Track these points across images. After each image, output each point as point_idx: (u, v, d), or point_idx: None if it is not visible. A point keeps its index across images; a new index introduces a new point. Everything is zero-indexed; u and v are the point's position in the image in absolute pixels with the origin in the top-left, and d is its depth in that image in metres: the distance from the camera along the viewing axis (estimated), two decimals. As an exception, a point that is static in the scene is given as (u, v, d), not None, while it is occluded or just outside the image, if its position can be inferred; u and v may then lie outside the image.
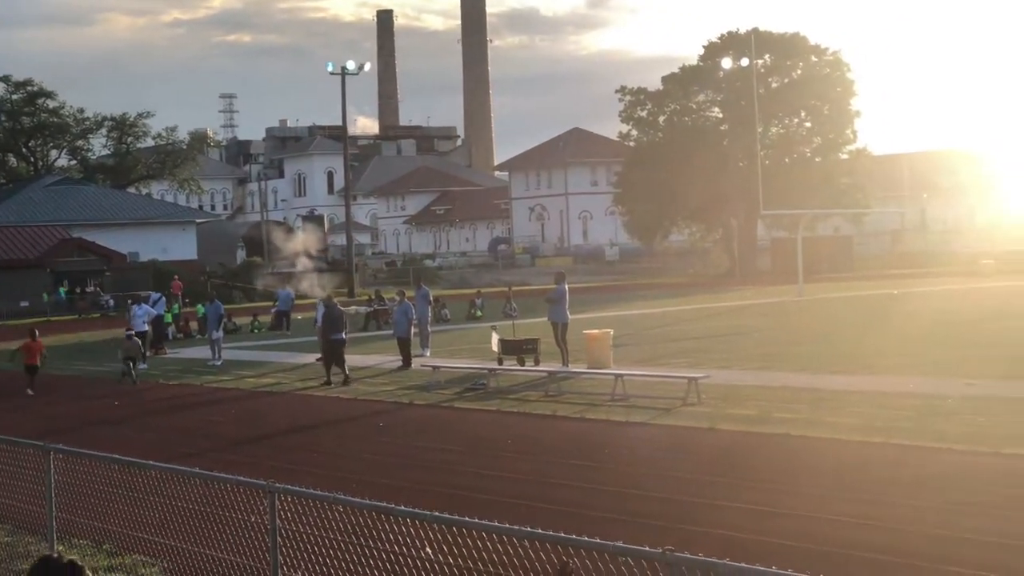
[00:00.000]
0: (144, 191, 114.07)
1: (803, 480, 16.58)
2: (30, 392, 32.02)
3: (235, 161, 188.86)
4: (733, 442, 20.02)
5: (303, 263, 49.49)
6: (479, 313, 54.77)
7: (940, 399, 22.95)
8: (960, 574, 11.72)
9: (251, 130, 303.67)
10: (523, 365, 32.23)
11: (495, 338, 33.81)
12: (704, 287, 76.67)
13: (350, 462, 20.09)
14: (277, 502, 9.62)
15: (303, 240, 61.30)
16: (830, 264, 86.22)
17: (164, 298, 47.35)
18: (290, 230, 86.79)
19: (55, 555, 3.40)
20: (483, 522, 8.28)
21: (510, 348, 33.42)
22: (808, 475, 16.92)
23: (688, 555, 6.88)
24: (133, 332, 36.37)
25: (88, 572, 3.33)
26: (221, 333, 40.68)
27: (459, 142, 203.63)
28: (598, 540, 7.52)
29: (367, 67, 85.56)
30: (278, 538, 9.66)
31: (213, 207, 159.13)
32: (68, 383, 36.07)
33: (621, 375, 26.67)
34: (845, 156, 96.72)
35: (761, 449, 19.26)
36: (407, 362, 34.49)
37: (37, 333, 33.94)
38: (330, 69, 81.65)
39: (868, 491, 15.61)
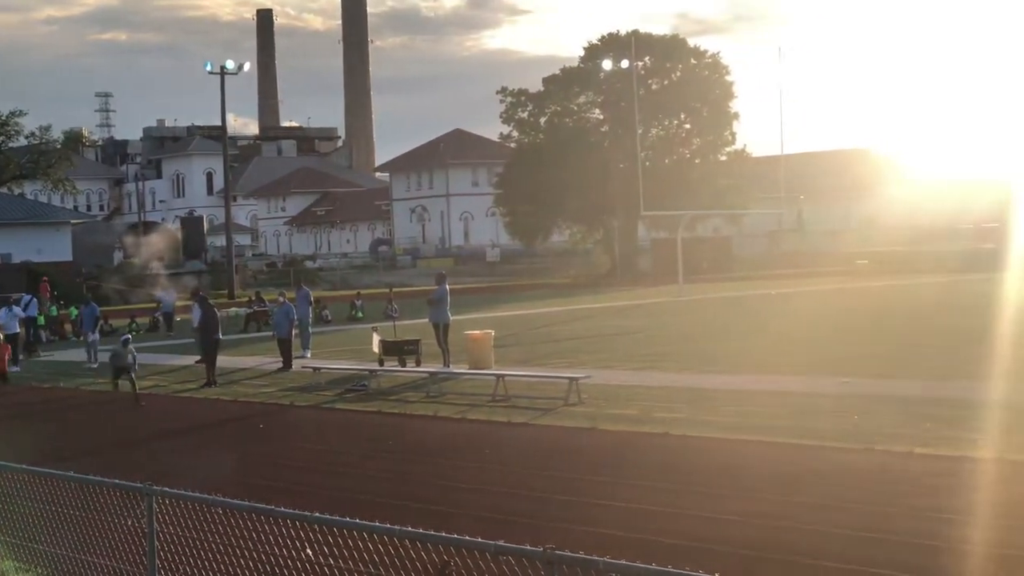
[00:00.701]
0: (17, 191, 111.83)
1: (682, 479, 16.74)
2: None
3: (112, 161, 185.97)
4: (614, 442, 20.16)
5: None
6: (360, 314, 54.55)
7: (816, 397, 23.31)
8: (833, 569, 11.91)
9: (128, 130, 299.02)
10: (404, 366, 32.19)
11: (376, 339, 33.71)
12: (586, 288, 77.12)
13: (230, 464, 19.90)
14: (155, 504, 9.49)
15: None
16: (710, 265, 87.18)
17: (35, 300, 46.47)
18: (149, 232, 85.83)
19: None
20: (364, 522, 8.24)
21: (391, 349, 33.34)
22: (688, 474, 17.10)
23: (568, 553, 6.91)
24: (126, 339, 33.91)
25: None
26: (97, 335, 40.06)
27: (340, 143, 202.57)
28: (479, 539, 7.53)
29: (246, 67, 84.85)
30: (156, 541, 9.53)
31: (89, 208, 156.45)
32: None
33: (502, 375, 26.74)
34: (724, 158, 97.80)
35: (641, 449, 19.42)
36: (288, 363, 34.24)
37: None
38: (208, 68, 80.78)
39: (745, 488, 15.82)
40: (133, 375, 29.45)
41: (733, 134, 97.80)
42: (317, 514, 8.65)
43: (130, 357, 29.36)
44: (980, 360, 26.70)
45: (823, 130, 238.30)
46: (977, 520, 13.53)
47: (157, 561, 9.60)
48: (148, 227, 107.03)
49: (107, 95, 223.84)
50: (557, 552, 6.83)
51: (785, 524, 13.80)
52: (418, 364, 32.27)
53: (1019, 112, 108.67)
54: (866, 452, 17.80)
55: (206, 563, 10.46)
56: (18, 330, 40.25)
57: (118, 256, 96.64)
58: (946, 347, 31.15)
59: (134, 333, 52.52)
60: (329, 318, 53.52)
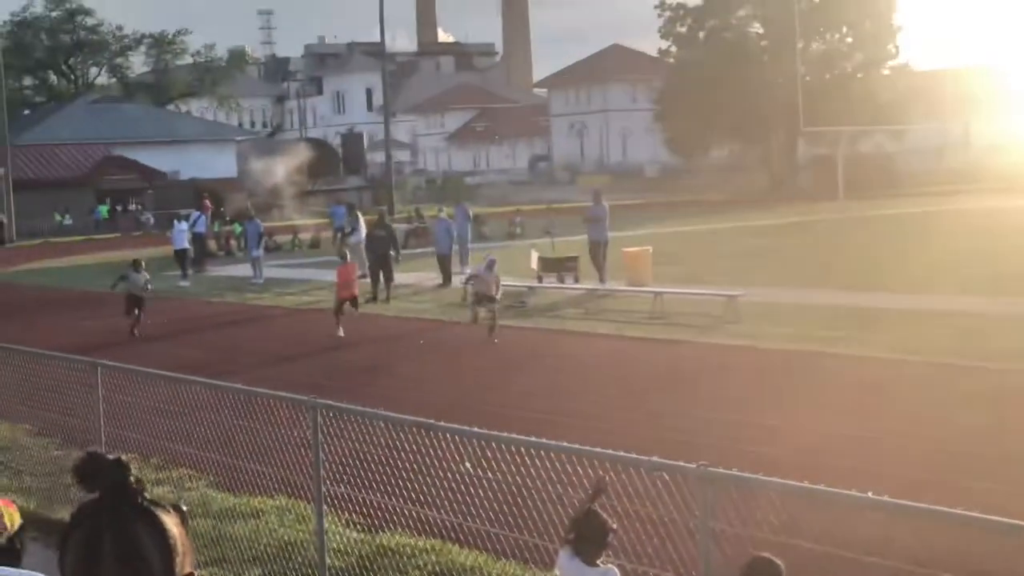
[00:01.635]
0: (184, 109, 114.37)
1: (836, 398, 16.69)
2: None
3: (274, 79, 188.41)
4: (771, 361, 20.16)
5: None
6: (519, 231, 54.85)
7: (981, 318, 22.96)
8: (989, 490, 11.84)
9: (289, 47, 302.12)
10: (563, 283, 32.38)
11: (535, 256, 33.93)
12: (744, 205, 76.35)
13: (391, 379, 20.34)
14: (320, 418, 9.81)
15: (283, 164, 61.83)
16: (872, 181, 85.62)
17: (203, 217, 47.59)
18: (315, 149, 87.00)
19: (100, 452, 3.53)
20: (519, 436, 8.45)
21: (550, 266, 33.55)
22: (841, 393, 17.04)
23: (722, 470, 7.03)
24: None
25: (133, 470, 3.46)
26: (261, 251, 40.91)
27: (498, 59, 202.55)
28: (633, 455, 7.68)
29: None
30: (320, 453, 9.86)
31: (253, 124, 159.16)
32: (113, 299, 36.45)
33: (660, 293, 26.80)
34: (887, 72, 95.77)
35: (797, 368, 19.38)
36: (447, 279, 34.66)
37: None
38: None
39: (900, 409, 15.74)
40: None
41: (896, 47, 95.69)
42: (475, 428, 8.88)
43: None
44: None
45: (984, 45, 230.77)
46: None
47: (323, 472, 9.93)
48: (310, 143, 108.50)
49: (269, 12, 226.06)
50: (711, 469, 6.95)
51: (938, 446, 13.73)
52: (576, 281, 32.44)
53: None
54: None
55: (369, 475, 10.79)
56: (187, 245, 41.33)
57: (279, 172, 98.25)
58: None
59: (297, 248, 53.69)
60: (488, 234, 53.93)
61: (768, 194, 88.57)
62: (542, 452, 8.53)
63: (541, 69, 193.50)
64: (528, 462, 8.80)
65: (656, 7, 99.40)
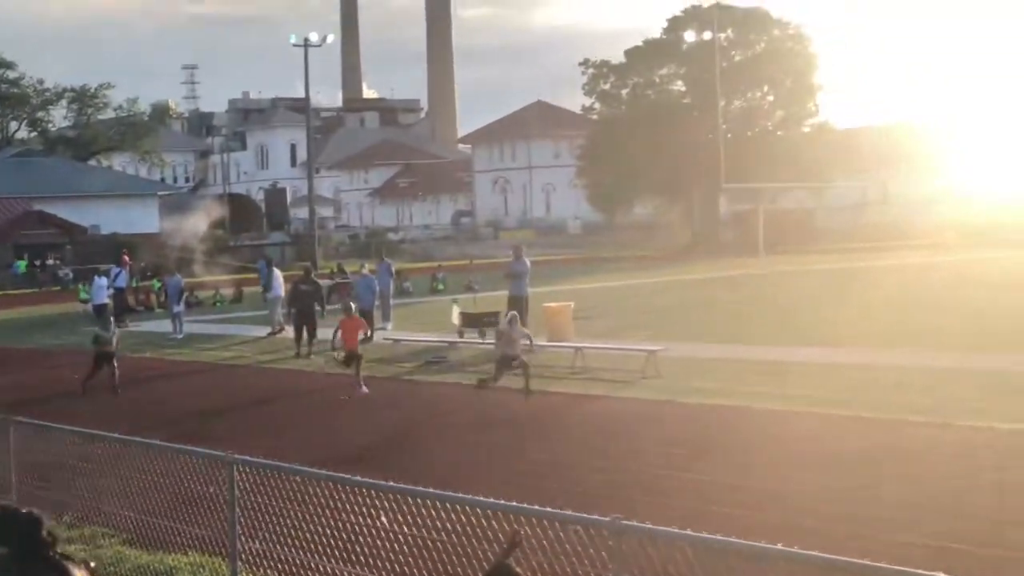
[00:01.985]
0: (106, 163, 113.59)
1: (755, 453, 16.80)
2: None
3: (197, 133, 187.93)
4: (689, 415, 20.24)
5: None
6: (441, 286, 54.88)
7: (899, 371, 23.22)
8: (918, 544, 11.95)
9: (213, 102, 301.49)
10: (484, 338, 32.37)
11: (456, 311, 33.93)
12: (666, 261, 76.93)
13: (310, 434, 20.21)
14: (236, 473, 9.74)
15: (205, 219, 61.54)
16: (792, 238, 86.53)
17: (122, 272, 47.17)
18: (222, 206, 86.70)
19: (13, 506, 3.51)
20: (436, 491, 8.45)
21: (471, 321, 33.54)
22: (762, 447, 17.15)
23: (635, 523, 7.06)
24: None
25: (45, 524, 3.44)
26: (182, 306, 40.64)
27: (422, 115, 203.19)
28: (548, 509, 7.70)
29: (330, 39, 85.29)
30: (236, 509, 9.79)
31: (175, 179, 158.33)
32: (26, 356, 36.02)
33: (581, 347, 26.89)
34: (807, 130, 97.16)
35: (716, 423, 19.48)
36: (369, 335, 34.56)
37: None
38: (293, 41, 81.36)
39: (820, 463, 15.86)
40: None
41: (816, 106, 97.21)
42: (391, 483, 8.87)
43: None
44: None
45: (910, 101, 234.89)
46: None
47: (238, 528, 9.86)
48: (233, 199, 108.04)
49: (193, 67, 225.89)
50: (623, 522, 6.98)
51: (862, 496, 13.85)
52: (497, 336, 32.41)
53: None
54: (945, 427, 17.77)
55: (284, 530, 10.73)
56: (106, 301, 40.96)
57: (201, 228, 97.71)
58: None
59: (219, 304, 53.34)
60: (411, 290, 53.91)
61: (690, 250, 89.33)
62: (458, 506, 8.53)
63: (466, 125, 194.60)
64: (444, 516, 8.80)
65: (580, 64, 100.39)
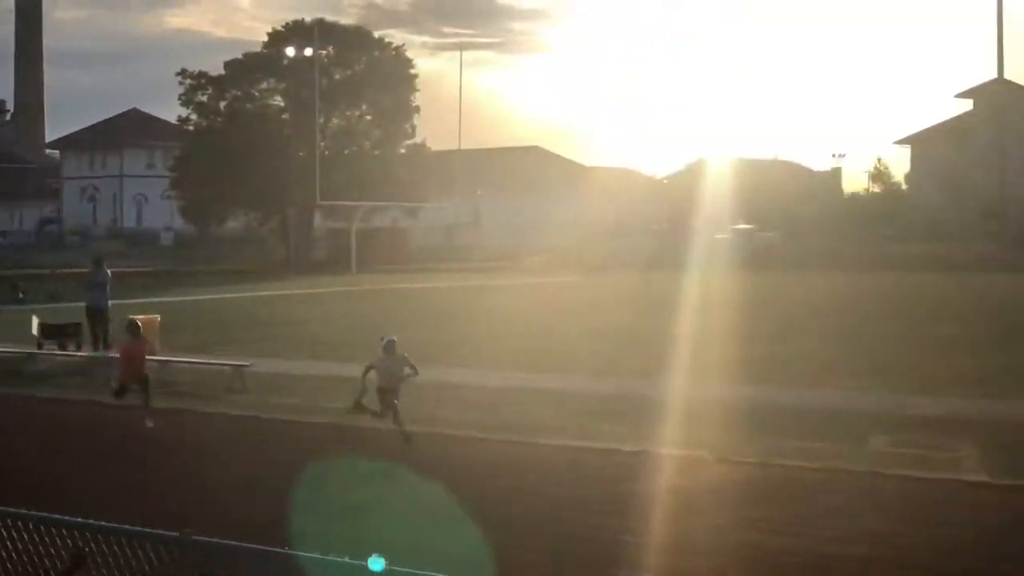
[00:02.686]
0: None
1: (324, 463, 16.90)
2: None
3: None
4: (272, 430, 20.20)
5: None
6: (22, 295, 52.66)
7: (473, 390, 23.84)
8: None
9: None
10: (64, 350, 31.30)
11: (35, 322, 32.65)
12: (259, 276, 76.37)
13: None
14: None
15: None
16: (385, 256, 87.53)
17: None
18: None
19: None
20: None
21: (50, 332, 32.34)
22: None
23: (204, 538, 7.01)
24: None
25: None
26: None
27: (8, 116, 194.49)
28: (115, 524, 7.53)
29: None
30: None
31: None
32: None
33: (167, 361, 26.42)
34: (403, 150, 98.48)
35: (302, 437, 19.51)
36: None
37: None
38: None
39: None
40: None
41: (413, 127, 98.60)
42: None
43: None
44: (640, 357, 27.84)
45: (505, 126, 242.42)
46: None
47: None
48: None
49: None
50: (193, 537, 6.93)
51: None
52: (79, 348, 31.42)
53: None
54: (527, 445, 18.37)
55: None
56: None
57: None
58: (605, 344, 32.16)
59: None
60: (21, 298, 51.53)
61: (284, 265, 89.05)
62: (18, 523, 8.21)
63: (56, 130, 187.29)
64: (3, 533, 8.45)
65: (178, 74, 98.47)
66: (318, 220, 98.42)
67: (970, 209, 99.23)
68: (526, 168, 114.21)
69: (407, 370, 18.84)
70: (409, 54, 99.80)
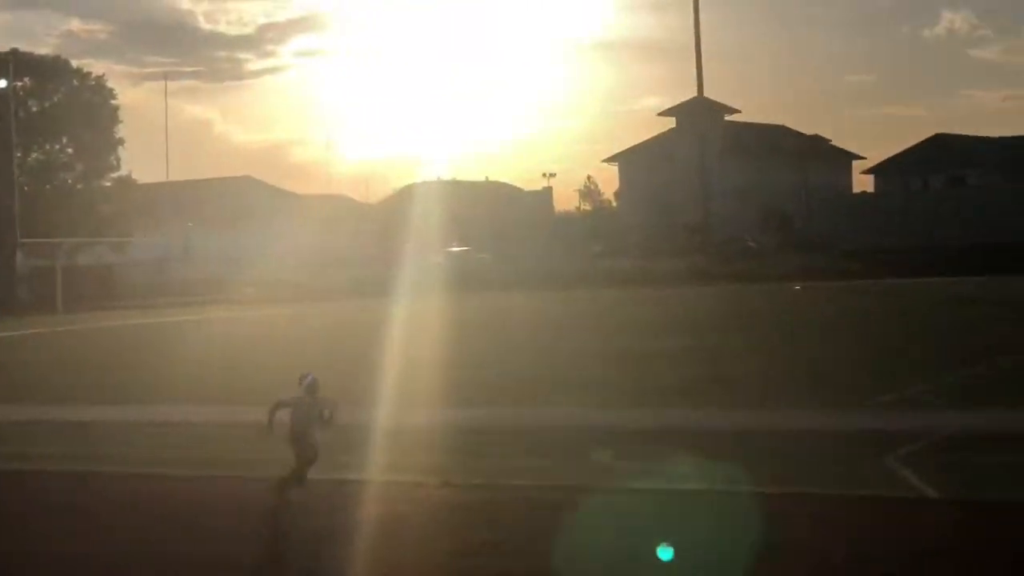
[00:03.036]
0: None
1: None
2: None
3: None
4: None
5: None
6: None
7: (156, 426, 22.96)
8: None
9: None
10: None
11: None
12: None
13: None
14: None
15: None
16: (93, 293, 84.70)
17: None
18: None
19: None
20: None
21: None
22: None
23: None
24: None
25: None
26: None
27: None
28: None
29: None
30: None
31: None
32: None
33: None
34: (108, 184, 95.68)
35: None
36: None
37: None
38: None
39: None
40: None
41: (118, 159, 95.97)
42: None
43: None
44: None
45: (218, 156, 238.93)
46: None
47: None
48: None
49: None
50: None
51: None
52: None
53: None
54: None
55: None
56: None
57: None
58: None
59: None
60: None
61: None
62: None
63: None
64: None
65: None
66: (21, 259, 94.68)
67: (676, 224, 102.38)
68: (237, 198, 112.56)
69: (326, 414, 15.39)
70: (111, 84, 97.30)
